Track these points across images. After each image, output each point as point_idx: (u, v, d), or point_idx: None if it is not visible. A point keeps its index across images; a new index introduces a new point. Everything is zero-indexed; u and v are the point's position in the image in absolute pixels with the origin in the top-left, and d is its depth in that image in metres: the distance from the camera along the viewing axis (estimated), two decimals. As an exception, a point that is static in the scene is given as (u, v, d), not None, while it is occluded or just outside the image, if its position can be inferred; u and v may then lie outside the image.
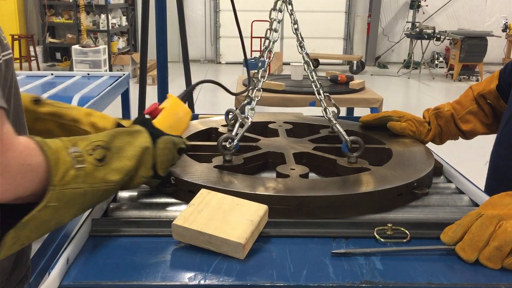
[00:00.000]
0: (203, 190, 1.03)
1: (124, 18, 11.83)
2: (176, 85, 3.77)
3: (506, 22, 11.13)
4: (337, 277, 0.84)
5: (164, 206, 1.10)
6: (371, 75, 10.86)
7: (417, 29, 10.74)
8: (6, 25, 10.48)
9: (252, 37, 9.23)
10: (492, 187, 1.45)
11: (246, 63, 1.79)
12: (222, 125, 1.56)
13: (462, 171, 1.33)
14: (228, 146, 1.20)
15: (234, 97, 2.91)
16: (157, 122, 1.07)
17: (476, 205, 1.15)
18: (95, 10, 10.79)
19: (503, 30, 11.16)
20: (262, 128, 1.58)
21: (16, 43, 10.15)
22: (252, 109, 1.30)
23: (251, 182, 1.11)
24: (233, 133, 1.23)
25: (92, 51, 9.51)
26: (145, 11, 2.94)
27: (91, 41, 10.71)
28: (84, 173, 0.84)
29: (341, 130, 1.29)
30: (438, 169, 1.34)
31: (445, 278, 0.84)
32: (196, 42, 12.03)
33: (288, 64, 6.13)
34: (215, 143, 1.26)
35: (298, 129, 1.60)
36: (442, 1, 12.17)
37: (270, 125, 1.58)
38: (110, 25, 10.67)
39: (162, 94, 3.20)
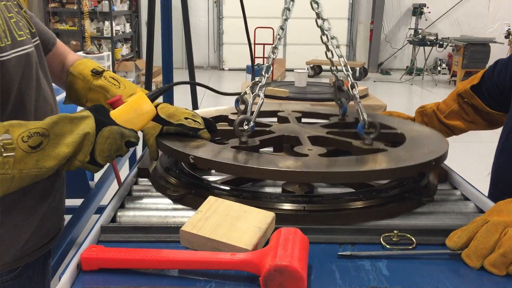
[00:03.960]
0: (210, 197, 1.05)
1: (128, 25, 11.88)
2: (180, 91, 3.78)
3: (509, 29, 11.14)
4: (344, 282, 0.85)
5: (171, 212, 1.11)
6: (374, 81, 10.87)
7: (420, 36, 10.76)
8: (10, 32, 10.53)
9: (255, 44, 9.27)
10: (495, 197, 1.45)
11: (252, 63, 1.80)
12: (231, 113, 1.55)
13: (465, 176, 1.33)
14: (245, 127, 1.20)
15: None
16: (113, 113, 1.07)
17: (482, 211, 1.16)
18: (99, 17, 10.85)
19: (506, 37, 11.16)
20: (272, 116, 1.58)
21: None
22: (263, 86, 1.27)
23: (271, 159, 1.11)
24: (248, 114, 1.22)
25: (96, 57, 9.55)
26: (150, 18, 2.96)
27: (95, 48, 10.77)
28: (13, 160, 0.89)
29: (362, 108, 1.27)
30: (443, 176, 1.34)
31: (451, 284, 0.85)
32: (199, 48, 12.07)
33: (291, 70, 6.14)
34: (228, 127, 1.26)
35: (308, 117, 1.60)
36: (445, 8, 12.19)
37: (280, 113, 1.57)
38: (114, 32, 10.73)
39: (167, 100, 3.22)
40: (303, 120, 1.59)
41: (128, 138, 1.06)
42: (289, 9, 1.34)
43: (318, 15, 1.33)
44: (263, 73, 1.29)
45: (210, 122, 1.27)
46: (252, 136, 1.25)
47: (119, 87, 1.29)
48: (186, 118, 1.23)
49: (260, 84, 1.27)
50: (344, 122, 1.50)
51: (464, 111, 1.61)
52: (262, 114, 1.52)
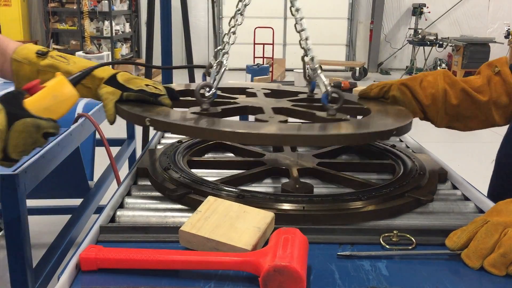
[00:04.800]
0: (210, 197, 1.04)
1: (127, 24, 11.88)
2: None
3: (509, 29, 11.14)
4: (343, 282, 0.85)
5: (170, 212, 1.11)
6: (374, 81, 10.84)
7: (420, 36, 10.76)
8: (10, 31, 10.55)
9: (255, 43, 9.26)
10: (496, 186, 1.45)
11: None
12: None
13: (465, 177, 1.33)
14: (206, 94, 1.20)
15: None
16: (29, 102, 0.99)
17: (482, 211, 1.16)
18: (98, 17, 10.85)
19: (506, 37, 11.16)
20: (240, 92, 1.58)
21: (20, 49, 10.19)
22: (226, 53, 1.27)
23: (229, 123, 1.10)
24: (211, 81, 1.22)
25: (95, 57, 9.56)
26: (150, 18, 2.96)
27: (94, 48, 10.77)
28: None
29: (324, 79, 1.28)
30: (443, 176, 1.34)
31: (450, 284, 0.85)
32: (198, 48, 12.07)
33: (291, 70, 6.14)
34: (192, 98, 1.26)
35: (277, 94, 1.58)
36: (445, 8, 12.20)
37: (249, 90, 1.57)
38: (113, 31, 10.73)
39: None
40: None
41: (46, 130, 1.00)
42: (241, 14, 1.32)
43: (297, 22, 1.33)
44: (227, 39, 1.30)
45: (172, 90, 1.26)
46: (216, 106, 1.25)
47: (69, 64, 1.24)
48: (147, 85, 1.22)
49: (223, 51, 1.27)
50: (312, 98, 1.51)
51: (491, 83, 1.44)
52: (231, 91, 1.53)
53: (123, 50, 11.46)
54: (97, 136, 2.86)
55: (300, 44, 1.36)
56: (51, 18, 11.08)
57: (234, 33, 1.32)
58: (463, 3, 12.20)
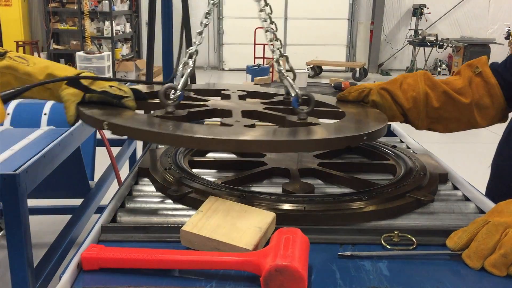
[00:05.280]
0: (211, 197, 1.05)
1: (128, 25, 11.88)
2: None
3: (509, 30, 11.15)
4: (344, 282, 0.85)
5: (172, 212, 1.11)
6: (374, 82, 10.88)
7: (420, 37, 10.77)
8: (11, 31, 10.55)
9: (255, 44, 9.26)
10: (494, 190, 1.45)
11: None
12: None
13: (465, 177, 1.34)
14: (171, 96, 1.15)
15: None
16: None
17: (482, 212, 1.16)
18: (99, 17, 10.85)
19: (506, 38, 11.17)
20: (216, 94, 1.53)
21: (20, 49, 10.21)
22: (193, 53, 1.24)
23: (189, 127, 1.05)
24: (176, 83, 1.18)
25: (96, 57, 9.56)
26: (151, 18, 2.96)
27: (95, 48, 10.77)
28: None
29: (292, 82, 1.24)
30: (444, 176, 1.35)
31: (451, 285, 0.85)
32: (199, 48, 12.06)
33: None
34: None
35: (252, 95, 1.53)
36: (445, 9, 12.20)
37: (223, 91, 1.53)
38: (114, 31, 10.73)
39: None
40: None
41: None
42: (209, 14, 1.30)
43: (269, 18, 1.31)
44: (194, 41, 1.28)
45: (139, 92, 1.22)
46: (183, 109, 1.20)
47: (28, 65, 1.20)
48: (111, 87, 1.18)
49: (189, 51, 1.25)
50: (288, 100, 1.46)
51: (471, 83, 1.42)
52: (206, 93, 1.49)
53: (124, 50, 11.46)
54: (98, 136, 2.87)
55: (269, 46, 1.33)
56: (52, 18, 11.08)
57: (200, 33, 1.28)
58: (463, 4, 12.21)
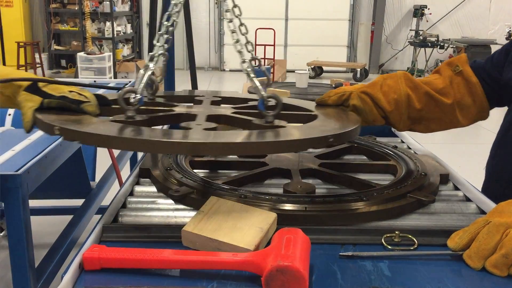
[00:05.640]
0: (212, 198, 1.05)
1: (129, 25, 11.90)
2: (182, 86, 3.78)
3: (510, 30, 11.14)
4: (346, 282, 0.85)
5: (173, 212, 1.11)
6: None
7: (421, 37, 10.77)
8: (12, 32, 10.56)
9: (256, 45, 9.27)
10: (488, 191, 1.45)
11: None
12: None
13: (466, 178, 1.34)
14: (131, 100, 1.11)
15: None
16: None
17: (483, 212, 1.16)
18: (100, 17, 10.86)
19: (507, 38, 11.14)
20: (189, 100, 1.49)
21: (21, 50, 10.22)
22: (155, 56, 1.20)
23: (144, 131, 1.01)
24: (137, 86, 1.14)
25: (97, 58, 9.57)
26: (152, 19, 2.97)
27: (96, 48, 10.78)
28: None
29: (258, 84, 1.20)
30: (445, 177, 1.35)
31: (452, 285, 0.85)
32: (200, 49, 12.08)
33: (292, 71, 6.15)
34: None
35: (227, 101, 1.48)
36: (446, 9, 12.20)
37: (197, 97, 1.48)
38: (115, 32, 10.75)
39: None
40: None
41: None
42: (171, 15, 1.27)
43: (238, 20, 1.29)
44: (155, 43, 1.24)
45: (103, 98, 1.18)
46: (149, 114, 1.17)
47: None
48: (71, 92, 1.13)
49: (151, 54, 1.22)
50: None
51: (453, 83, 1.41)
52: (181, 99, 1.44)
53: (125, 51, 11.48)
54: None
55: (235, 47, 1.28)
56: (53, 19, 11.10)
57: (162, 35, 1.25)
58: (464, 4, 12.21)
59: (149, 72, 1.19)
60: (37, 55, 10.51)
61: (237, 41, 1.26)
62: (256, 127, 1.14)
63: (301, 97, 3.87)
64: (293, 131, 1.08)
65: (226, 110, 1.30)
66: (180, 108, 1.30)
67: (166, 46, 1.26)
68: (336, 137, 1.08)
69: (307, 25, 12.17)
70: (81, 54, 9.62)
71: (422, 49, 10.85)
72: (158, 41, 1.24)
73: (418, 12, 11.73)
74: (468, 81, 1.39)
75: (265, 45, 8.05)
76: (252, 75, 1.23)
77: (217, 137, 1.01)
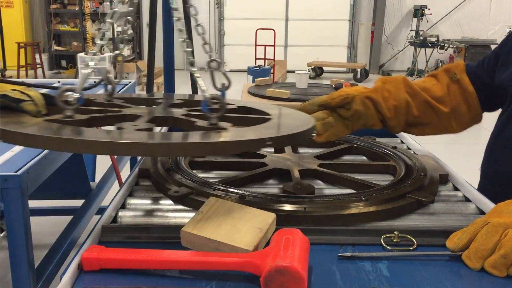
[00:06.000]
0: (211, 198, 1.05)
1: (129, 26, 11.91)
2: (182, 93, 3.78)
3: (510, 31, 11.14)
4: (344, 283, 0.85)
5: (172, 212, 1.11)
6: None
7: (421, 38, 10.78)
8: (12, 32, 10.58)
9: (256, 45, 9.27)
10: (484, 191, 1.45)
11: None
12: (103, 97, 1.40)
13: (466, 178, 1.34)
14: (69, 99, 1.07)
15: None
16: None
17: (482, 213, 1.16)
18: (100, 18, 10.87)
19: (507, 39, 11.16)
20: (153, 103, 1.44)
21: (22, 50, 10.23)
22: (95, 53, 1.18)
23: (84, 131, 0.96)
24: (78, 84, 1.11)
25: (97, 58, 9.58)
26: (152, 20, 2.97)
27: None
28: None
29: (202, 84, 1.16)
30: (444, 177, 1.35)
31: (451, 285, 0.85)
32: (200, 49, 12.09)
33: (292, 72, 6.15)
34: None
35: (189, 104, 1.41)
36: (446, 10, 12.21)
37: (158, 100, 1.44)
38: (115, 33, 10.75)
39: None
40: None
41: None
42: (114, 12, 1.23)
43: (195, 20, 1.27)
44: (97, 41, 1.21)
45: (50, 97, 1.12)
46: (89, 114, 1.13)
47: None
48: (13, 90, 1.09)
49: (89, 51, 1.20)
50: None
51: (450, 91, 1.42)
52: (146, 101, 1.42)
53: (125, 51, 11.49)
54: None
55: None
56: (53, 19, 11.12)
57: (103, 35, 1.21)
58: (464, 4, 12.21)
59: (88, 71, 1.14)
60: (37, 56, 10.52)
61: (184, 40, 1.23)
62: (199, 129, 1.09)
63: (301, 98, 3.88)
64: (231, 133, 1.03)
65: (177, 112, 1.25)
66: (132, 110, 1.25)
67: (109, 36, 1.19)
68: (275, 140, 1.01)
69: (307, 25, 12.18)
70: (81, 55, 9.62)
71: (422, 49, 10.86)
72: (102, 40, 1.19)
73: (418, 12, 11.74)
74: (465, 89, 1.42)
75: (265, 46, 8.04)
76: (196, 75, 1.19)
77: (141, 138, 0.94)
